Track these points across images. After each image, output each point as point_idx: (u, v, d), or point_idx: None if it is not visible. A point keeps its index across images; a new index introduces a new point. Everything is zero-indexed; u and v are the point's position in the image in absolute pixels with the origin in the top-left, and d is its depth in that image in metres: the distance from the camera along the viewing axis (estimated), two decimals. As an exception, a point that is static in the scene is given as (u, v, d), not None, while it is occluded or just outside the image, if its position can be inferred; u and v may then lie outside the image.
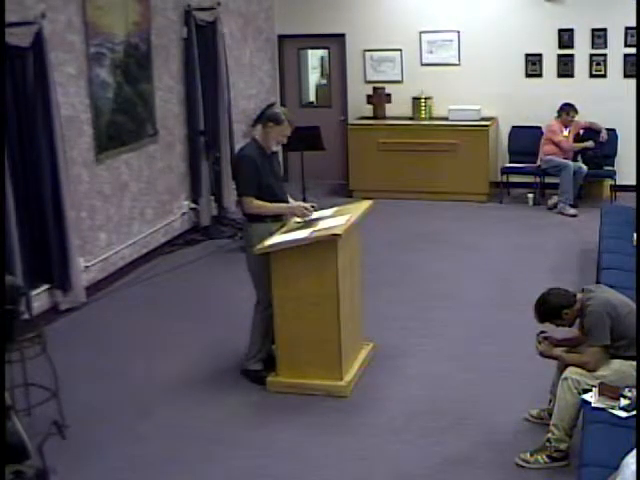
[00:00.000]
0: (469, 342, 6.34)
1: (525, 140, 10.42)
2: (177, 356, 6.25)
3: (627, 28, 9.99)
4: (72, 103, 7.23)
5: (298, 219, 5.76)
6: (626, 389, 4.44)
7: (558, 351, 4.82)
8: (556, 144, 9.87)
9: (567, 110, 9.86)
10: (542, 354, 4.86)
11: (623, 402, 4.37)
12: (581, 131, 10.11)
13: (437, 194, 10.34)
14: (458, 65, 10.77)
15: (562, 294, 4.73)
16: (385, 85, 10.91)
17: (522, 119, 10.53)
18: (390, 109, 10.87)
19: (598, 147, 9.98)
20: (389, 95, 10.83)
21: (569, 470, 4.50)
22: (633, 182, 8.84)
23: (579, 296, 4.72)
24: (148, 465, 4.82)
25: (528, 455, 4.65)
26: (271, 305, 5.54)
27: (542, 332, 4.91)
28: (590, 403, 4.40)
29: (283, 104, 11.12)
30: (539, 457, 4.61)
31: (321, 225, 5.59)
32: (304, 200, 8.31)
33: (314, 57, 11.83)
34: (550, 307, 4.69)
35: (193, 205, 9.32)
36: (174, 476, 4.73)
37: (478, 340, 6.36)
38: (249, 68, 10.72)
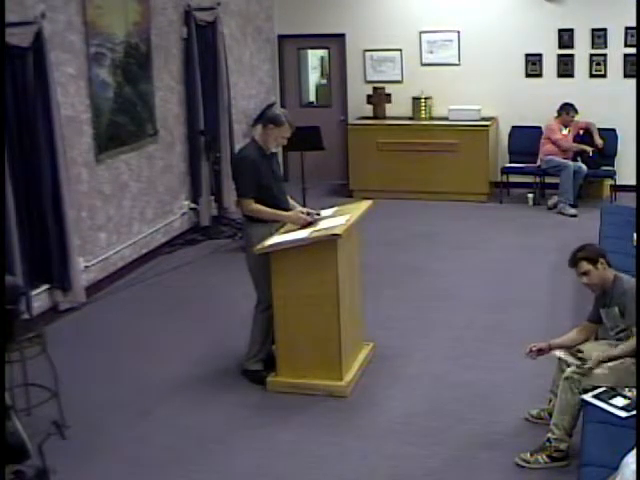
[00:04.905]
0: (469, 342, 6.34)
1: (525, 140, 10.42)
2: (177, 356, 6.25)
3: (627, 28, 9.99)
4: (72, 103, 7.23)
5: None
6: (626, 389, 4.45)
7: (605, 353, 4.60)
8: (554, 142, 9.88)
9: (567, 110, 9.87)
10: (597, 364, 4.59)
11: (623, 402, 4.38)
12: (581, 131, 10.11)
13: (437, 194, 10.34)
14: (458, 65, 10.77)
15: (604, 250, 4.85)
16: (385, 85, 10.91)
17: (522, 119, 10.53)
18: (390, 109, 10.87)
19: (595, 155, 9.99)
20: (389, 95, 10.83)
21: (569, 470, 4.50)
22: (633, 182, 8.85)
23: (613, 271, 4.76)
24: (148, 465, 4.82)
25: (528, 455, 4.64)
26: (271, 305, 5.54)
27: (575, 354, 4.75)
28: (590, 403, 4.41)
29: (283, 104, 11.14)
30: (539, 457, 4.61)
31: (321, 225, 5.59)
32: (304, 199, 8.32)
33: (314, 57, 11.83)
34: (590, 249, 4.76)
35: (193, 205, 9.32)
36: (174, 476, 4.73)
37: (478, 340, 6.36)
38: (249, 68, 10.72)
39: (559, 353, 4.84)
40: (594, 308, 4.85)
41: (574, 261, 4.76)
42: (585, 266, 4.70)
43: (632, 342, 4.53)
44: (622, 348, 4.60)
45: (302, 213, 5.73)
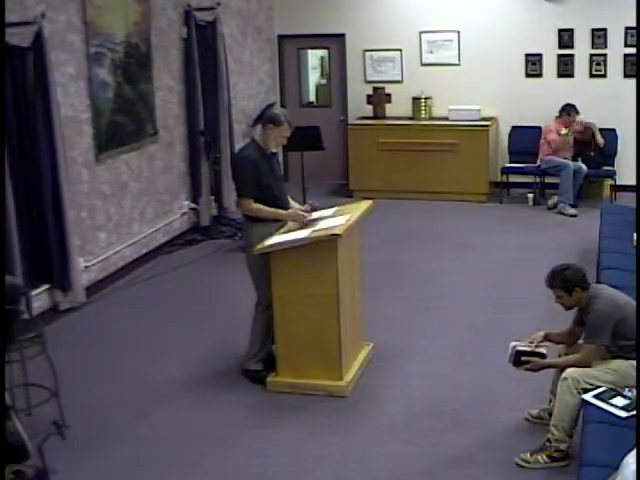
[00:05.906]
0: (469, 342, 6.34)
1: (525, 140, 10.42)
2: (177, 356, 6.25)
3: (627, 28, 9.99)
4: (72, 103, 7.23)
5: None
6: (626, 389, 4.45)
7: (547, 360, 4.83)
8: (548, 142, 9.88)
9: (568, 111, 9.86)
10: (533, 370, 4.83)
11: (623, 402, 4.38)
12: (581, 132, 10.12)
13: (437, 194, 10.34)
14: (458, 65, 10.77)
15: (583, 274, 4.74)
16: (385, 85, 10.91)
17: (522, 119, 10.53)
18: (390, 109, 10.87)
19: (598, 153, 9.99)
20: (389, 95, 10.84)
21: (569, 470, 4.50)
22: (633, 182, 8.85)
23: (590, 289, 4.74)
24: (148, 465, 4.82)
25: (528, 455, 4.65)
26: (271, 305, 5.54)
27: (518, 353, 4.86)
28: (590, 403, 4.40)
29: (283, 104, 11.14)
30: (539, 457, 4.61)
31: (321, 225, 5.59)
32: (304, 199, 8.31)
33: (314, 57, 11.83)
34: (568, 277, 4.69)
35: (193, 205, 9.32)
36: (174, 476, 4.73)
37: (478, 340, 6.36)
38: (249, 68, 10.73)
39: (516, 343, 4.91)
40: (578, 312, 4.86)
41: (550, 285, 4.78)
42: (559, 292, 4.74)
43: (574, 358, 4.68)
44: (565, 360, 4.76)
45: (301, 211, 5.74)
